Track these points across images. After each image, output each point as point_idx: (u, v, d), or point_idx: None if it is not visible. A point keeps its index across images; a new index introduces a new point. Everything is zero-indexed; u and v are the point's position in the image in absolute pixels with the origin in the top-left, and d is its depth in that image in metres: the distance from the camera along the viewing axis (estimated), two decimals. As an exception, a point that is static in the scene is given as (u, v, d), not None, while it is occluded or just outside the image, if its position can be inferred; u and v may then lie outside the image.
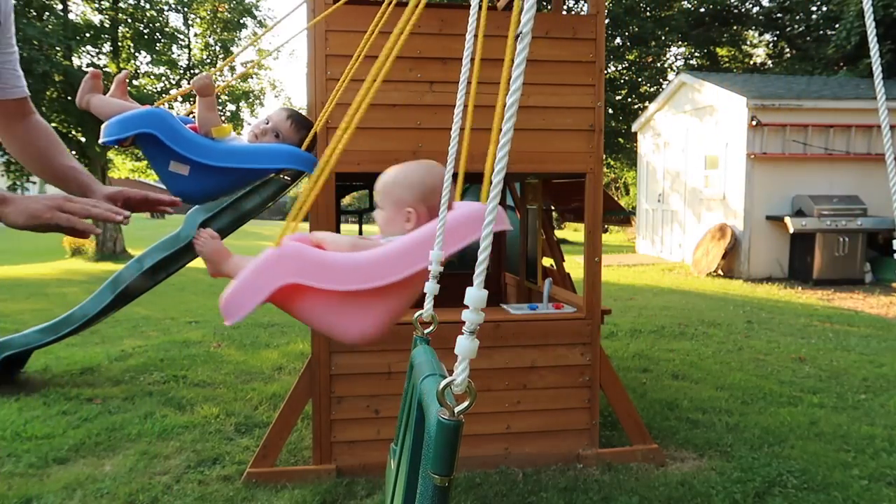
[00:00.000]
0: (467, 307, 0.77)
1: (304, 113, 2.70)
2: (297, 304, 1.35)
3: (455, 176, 1.42)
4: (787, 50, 24.72)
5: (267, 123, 2.33)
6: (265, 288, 1.30)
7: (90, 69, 2.43)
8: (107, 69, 16.15)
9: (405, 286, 1.35)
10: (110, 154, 17.05)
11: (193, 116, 2.42)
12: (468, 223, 1.36)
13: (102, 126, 2.20)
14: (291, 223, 1.52)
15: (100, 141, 2.21)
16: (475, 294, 0.76)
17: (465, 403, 0.73)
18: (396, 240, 1.40)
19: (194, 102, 2.42)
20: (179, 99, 17.55)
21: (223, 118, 18.01)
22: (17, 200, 1.43)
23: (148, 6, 16.03)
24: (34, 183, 19.64)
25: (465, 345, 0.75)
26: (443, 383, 0.74)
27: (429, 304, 1.20)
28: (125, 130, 2.12)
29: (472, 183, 6.84)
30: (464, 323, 0.77)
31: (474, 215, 1.38)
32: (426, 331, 1.21)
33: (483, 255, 0.76)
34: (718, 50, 25.20)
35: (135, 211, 1.62)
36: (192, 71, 17.42)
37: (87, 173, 1.84)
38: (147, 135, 2.11)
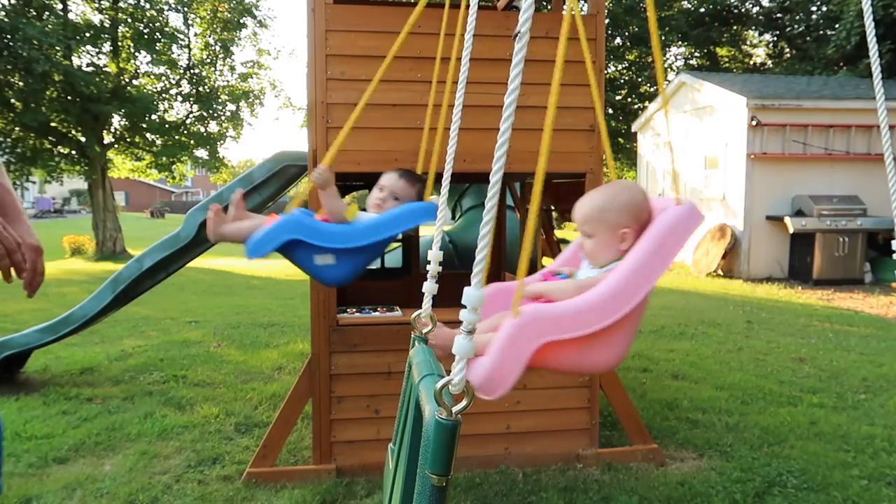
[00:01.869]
0: (465, 307, 0.77)
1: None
2: (548, 359, 1.39)
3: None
4: (787, 50, 24.70)
5: (381, 192, 2.49)
6: (522, 358, 1.33)
7: (211, 205, 2.56)
8: (107, 69, 16.16)
9: (640, 306, 1.41)
10: (110, 154, 17.05)
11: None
12: (676, 228, 1.41)
13: (245, 245, 2.33)
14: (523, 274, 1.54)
15: (248, 258, 2.35)
16: (473, 294, 0.76)
17: (463, 403, 0.73)
18: (617, 269, 1.42)
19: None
20: (179, 99, 17.58)
21: (223, 118, 17.98)
22: None
23: (148, 6, 16.03)
24: (34, 182, 19.65)
25: (462, 344, 0.75)
26: (440, 383, 0.74)
27: (427, 304, 1.20)
28: (272, 244, 2.24)
29: (473, 183, 6.85)
30: (461, 323, 0.77)
31: (680, 218, 1.43)
32: (425, 331, 1.21)
33: (481, 255, 0.76)
34: (718, 50, 25.19)
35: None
36: (191, 71, 17.42)
37: (12, 193, 1.73)
38: (291, 241, 2.23)
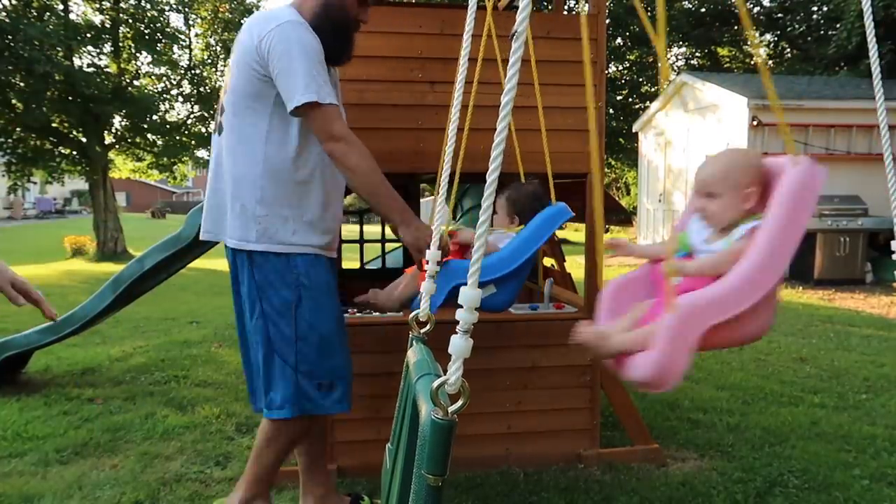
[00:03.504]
0: (461, 306, 0.77)
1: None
2: (707, 340, 1.41)
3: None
4: (788, 50, 24.70)
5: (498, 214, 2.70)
6: (688, 348, 1.35)
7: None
8: (108, 69, 16.18)
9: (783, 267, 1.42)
10: (111, 154, 17.06)
11: None
12: (805, 187, 1.44)
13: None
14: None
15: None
16: (469, 293, 0.76)
17: (459, 403, 0.73)
18: (758, 239, 1.44)
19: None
20: (181, 100, 17.59)
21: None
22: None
23: (149, 6, 16.03)
24: (35, 183, 19.67)
25: (458, 344, 0.75)
26: (436, 383, 0.74)
27: (425, 304, 1.20)
28: (440, 298, 2.29)
29: (473, 183, 6.85)
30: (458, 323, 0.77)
31: (806, 176, 1.45)
32: (422, 331, 1.21)
33: (476, 255, 0.76)
34: (719, 50, 25.19)
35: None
36: (192, 71, 17.43)
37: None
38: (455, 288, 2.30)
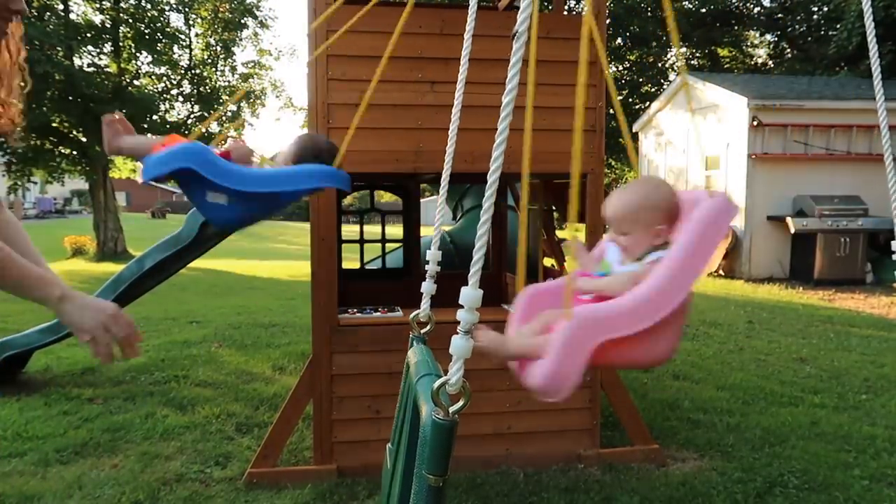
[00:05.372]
0: (462, 307, 0.77)
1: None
2: (605, 357, 1.39)
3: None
4: (788, 50, 24.69)
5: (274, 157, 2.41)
6: (581, 359, 1.33)
7: (105, 116, 2.42)
8: (108, 69, 16.17)
9: (688, 298, 1.46)
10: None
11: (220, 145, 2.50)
12: (715, 219, 1.45)
13: (142, 164, 2.24)
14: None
15: (141, 180, 2.28)
16: (470, 294, 0.76)
17: (460, 403, 0.73)
18: (663, 263, 1.45)
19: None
20: (181, 100, 17.59)
21: (224, 118, 17.90)
22: (76, 298, 1.45)
23: (149, 6, 16.02)
24: (35, 183, 19.64)
25: (459, 344, 0.75)
26: (437, 383, 0.74)
27: (425, 304, 1.20)
28: (167, 167, 2.14)
29: (474, 183, 6.85)
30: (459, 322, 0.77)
31: (719, 209, 1.46)
32: (423, 331, 1.21)
33: (478, 255, 0.76)
34: (720, 50, 25.17)
35: None
36: (192, 71, 17.43)
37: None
38: (185, 169, 2.13)
